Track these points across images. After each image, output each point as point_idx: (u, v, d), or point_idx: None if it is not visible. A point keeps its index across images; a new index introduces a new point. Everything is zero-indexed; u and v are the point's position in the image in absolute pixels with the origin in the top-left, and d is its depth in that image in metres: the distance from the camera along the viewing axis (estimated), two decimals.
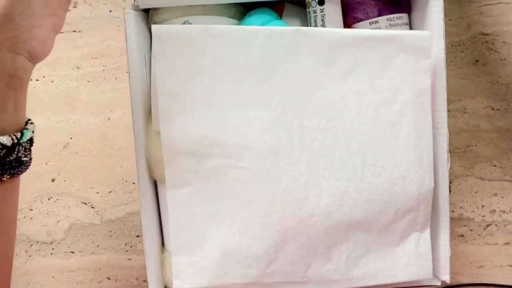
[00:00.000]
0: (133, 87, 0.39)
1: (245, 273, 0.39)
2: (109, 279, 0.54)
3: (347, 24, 0.44)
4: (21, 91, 0.30)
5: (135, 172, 0.40)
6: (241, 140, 0.38)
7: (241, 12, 0.43)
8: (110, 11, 0.53)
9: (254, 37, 0.38)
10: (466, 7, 0.53)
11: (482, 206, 0.54)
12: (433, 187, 0.40)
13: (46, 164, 0.54)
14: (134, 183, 0.53)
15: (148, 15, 0.42)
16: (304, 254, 0.40)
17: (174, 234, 0.40)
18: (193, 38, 0.37)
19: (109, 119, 0.53)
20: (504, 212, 0.53)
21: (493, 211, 0.53)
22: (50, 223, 0.54)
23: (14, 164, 0.30)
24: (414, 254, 0.41)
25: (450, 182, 0.53)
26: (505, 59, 0.52)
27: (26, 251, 0.54)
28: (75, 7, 0.53)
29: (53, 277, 0.54)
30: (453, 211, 0.53)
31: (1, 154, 0.29)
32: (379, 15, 0.42)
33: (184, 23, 0.40)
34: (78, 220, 0.54)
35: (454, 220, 0.53)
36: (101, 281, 0.54)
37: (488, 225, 0.54)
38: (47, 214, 0.54)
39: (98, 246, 0.54)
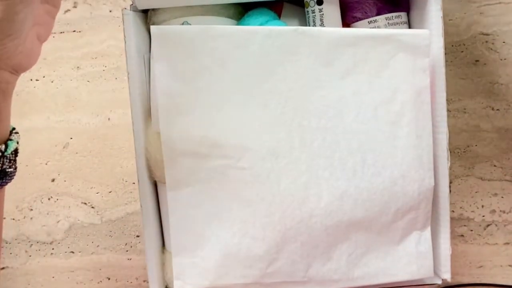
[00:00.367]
0: (132, 88, 0.39)
1: (246, 274, 0.39)
2: (109, 279, 0.54)
3: (346, 23, 0.44)
4: (4, 103, 0.29)
5: (135, 172, 0.40)
6: (241, 141, 0.38)
7: (240, 12, 0.43)
8: (110, 11, 0.53)
9: (253, 37, 0.38)
10: (466, 7, 0.53)
11: (482, 206, 0.54)
12: (433, 186, 0.40)
13: (46, 164, 0.54)
14: (134, 183, 0.53)
15: (146, 16, 0.42)
16: (305, 254, 0.40)
17: (175, 235, 0.40)
18: (192, 39, 0.37)
19: (109, 119, 0.53)
20: (504, 212, 0.53)
21: (493, 211, 0.53)
22: (50, 223, 0.54)
23: None
24: (415, 253, 0.41)
25: (450, 182, 0.53)
26: (505, 59, 0.52)
27: (26, 251, 0.54)
28: (75, 7, 0.53)
29: (53, 277, 0.54)
30: (453, 211, 0.53)
31: None
32: (378, 14, 0.42)
33: (183, 24, 0.40)
34: (78, 220, 0.54)
35: (454, 220, 0.53)
36: (101, 281, 0.54)
37: (488, 225, 0.54)
38: (47, 214, 0.54)
39: (98, 246, 0.54)
